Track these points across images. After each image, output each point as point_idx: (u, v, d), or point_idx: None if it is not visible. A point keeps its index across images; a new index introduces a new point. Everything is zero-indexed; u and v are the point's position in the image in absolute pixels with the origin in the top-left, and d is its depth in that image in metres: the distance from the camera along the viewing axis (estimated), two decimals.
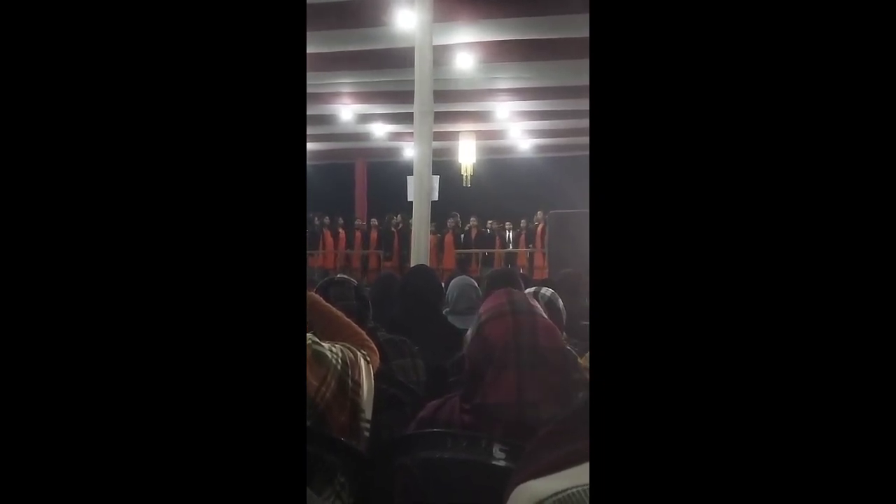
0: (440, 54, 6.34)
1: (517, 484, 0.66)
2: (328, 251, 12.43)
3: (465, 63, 7.18)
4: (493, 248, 11.82)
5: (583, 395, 0.71)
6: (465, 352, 1.15)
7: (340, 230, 12.70)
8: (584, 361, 1.55)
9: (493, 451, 1.04)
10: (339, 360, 1.28)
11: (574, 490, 0.61)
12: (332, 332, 1.43)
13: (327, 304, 1.52)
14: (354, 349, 1.37)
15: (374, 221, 12.67)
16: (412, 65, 5.32)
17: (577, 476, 0.62)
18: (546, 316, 1.16)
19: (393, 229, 12.08)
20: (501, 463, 1.03)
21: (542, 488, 0.63)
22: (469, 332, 1.16)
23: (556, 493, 0.62)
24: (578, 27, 5.83)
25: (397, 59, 6.62)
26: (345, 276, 2.01)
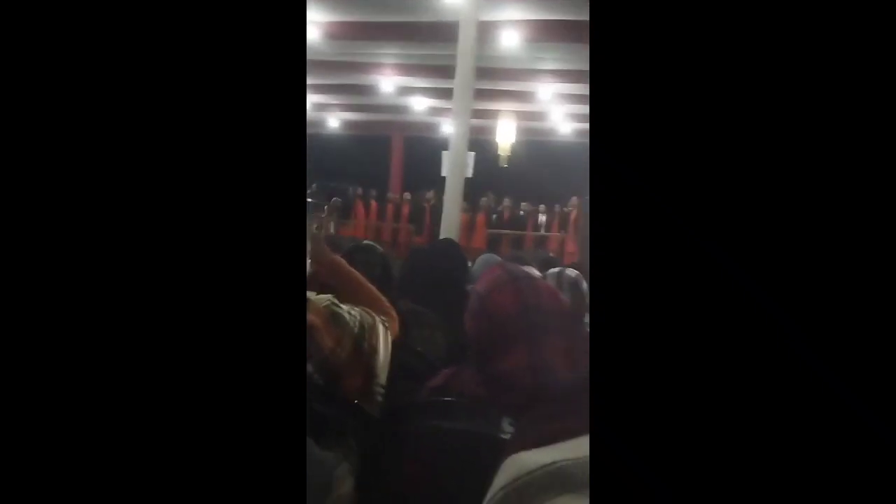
0: (485, 30, 6.25)
1: (510, 454, 0.65)
2: (359, 221, 12.52)
3: (509, 41, 7.08)
4: (525, 230, 11.76)
5: (583, 373, 0.70)
6: (469, 329, 1.14)
7: (373, 202, 12.77)
8: None
9: (502, 423, 1.04)
10: (357, 323, 1.29)
11: (563, 463, 0.61)
12: (353, 296, 1.44)
13: (350, 269, 1.53)
14: (374, 314, 1.37)
15: (407, 196, 12.71)
16: (456, 39, 5.27)
17: (568, 450, 0.62)
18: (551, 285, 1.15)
19: (424, 205, 12.10)
20: (508, 436, 1.02)
21: (532, 459, 0.63)
22: (470, 309, 1.15)
23: (544, 465, 0.61)
24: None
25: (441, 32, 6.56)
26: (371, 243, 2.02)
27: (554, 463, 0.61)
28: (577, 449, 0.62)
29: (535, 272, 1.17)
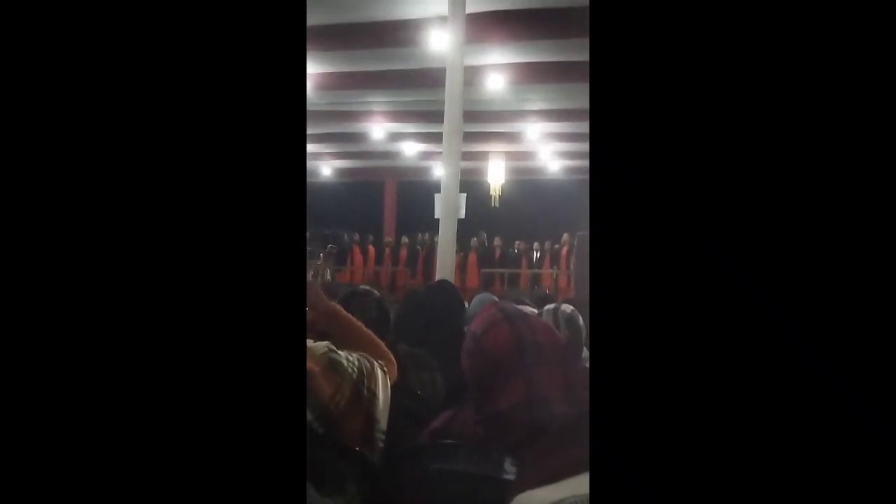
0: (471, 75, 6.39)
1: (516, 493, 0.65)
2: (356, 267, 12.52)
3: (496, 84, 7.23)
4: (518, 268, 11.77)
5: (582, 406, 0.70)
6: (466, 370, 1.15)
7: (370, 247, 12.80)
8: None
9: (505, 464, 1.03)
10: (356, 369, 1.29)
11: (572, 500, 0.61)
12: (350, 342, 1.44)
13: (347, 315, 1.53)
14: (372, 359, 1.37)
15: (405, 239, 12.75)
16: (443, 85, 5.38)
17: (575, 486, 0.61)
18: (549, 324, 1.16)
19: (418, 247, 12.13)
20: (511, 476, 1.02)
21: (538, 498, 0.62)
22: (466, 350, 1.16)
23: (553, 503, 0.61)
24: None
25: (429, 79, 6.70)
26: (368, 288, 2.02)
27: (561, 501, 0.61)
28: (582, 485, 0.62)
29: (530, 309, 1.18)
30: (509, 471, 1.02)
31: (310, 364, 1.20)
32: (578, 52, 6.46)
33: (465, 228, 8.29)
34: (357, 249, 12.72)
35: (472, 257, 11.75)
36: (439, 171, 8.29)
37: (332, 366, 1.25)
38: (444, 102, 5.35)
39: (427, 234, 11.90)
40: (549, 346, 1.10)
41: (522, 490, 0.65)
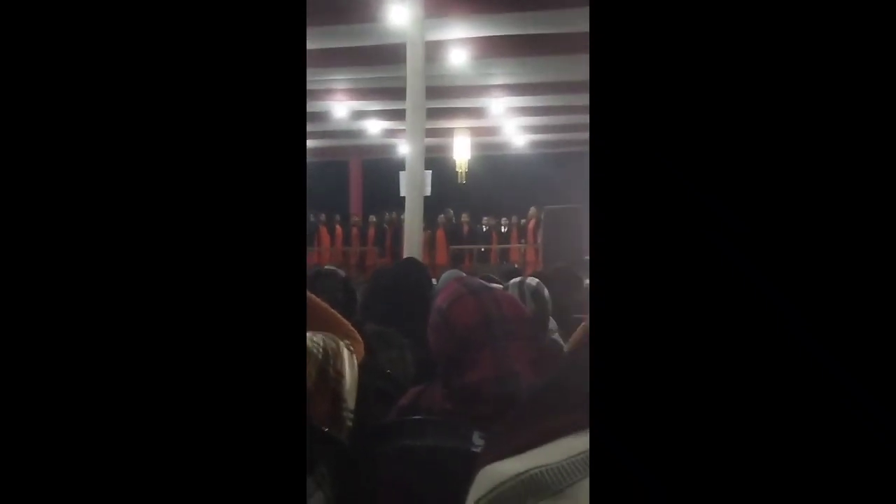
0: (433, 50, 6.33)
1: (482, 465, 0.65)
2: (324, 248, 12.44)
3: (458, 59, 7.18)
4: (487, 244, 11.83)
5: (550, 377, 0.71)
6: (433, 345, 1.15)
7: (337, 226, 12.71)
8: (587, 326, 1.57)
9: (473, 437, 1.04)
10: (321, 350, 1.28)
11: (536, 471, 0.61)
12: (315, 323, 1.42)
13: (310, 295, 1.52)
14: (337, 339, 1.36)
15: (373, 218, 12.69)
16: (404, 61, 5.32)
17: (540, 457, 0.61)
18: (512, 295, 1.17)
19: (385, 226, 12.09)
20: (479, 449, 1.02)
21: (504, 469, 0.62)
22: (432, 325, 1.16)
23: (518, 474, 0.61)
24: (572, 22, 5.83)
25: (390, 55, 6.62)
26: (332, 268, 2.01)
27: (527, 471, 0.61)
28: (548, 455, 0.62)
29: (495, 284, 1.19)
30: (478, 444, 1.03)
31: None
32: (540, 24, 6.45)
33: (433, 206, 8.29)
34: (324, 230, 12.63)
35: (441, 234, 11.77)
36: (404, 148, 8.28)
37: None
38: (405, 79, 5.30)
39: (394, 213, 11.86)
40: (515, 319, 1.11)
41: (487, 462, 0.65)
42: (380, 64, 7.31)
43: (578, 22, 5.67)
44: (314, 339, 1.28)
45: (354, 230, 12.62)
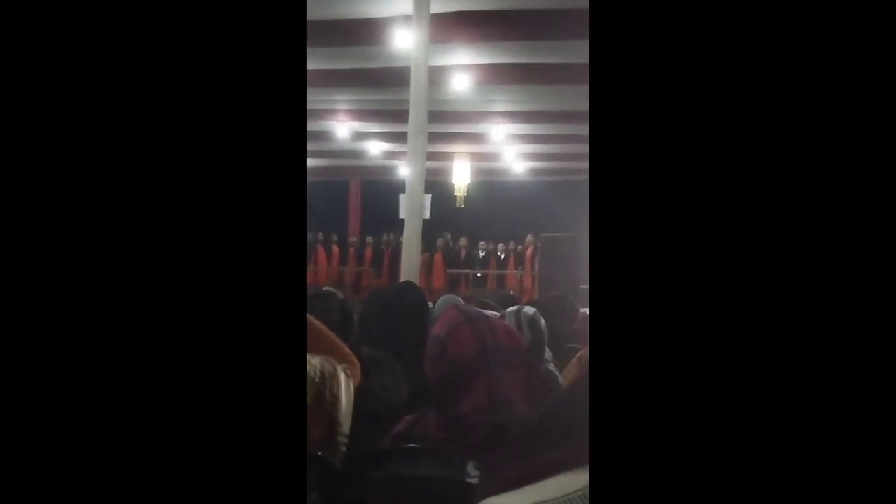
0: (436, 75, 6.39)
1: (480, 499, 0.65)
2: (321, 267, 12.41)
3: (461, 84, 7.24)
4: (484, 269, 11.82)
5: (549, 404, 0.71)
6: (429, 373, 1.15)
7: (334, 246, 12.70)
8: (584, 356, 1.56)
9: (467, 467, 1.03)
10: (318, 373, 1.27)
11: None
12: (312, 345, 1.42)
13: (310, 317, 1.52)
14: (334, 362, 1.36)
15: (370, 239, 12.68)
16: (408, 84, 5.37)
17: (538, 492, 0.61)
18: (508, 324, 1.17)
19: (384, 248, 12.09)
20: (475, 480, 1.02)
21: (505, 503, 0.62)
22: (429, 354, 1.16)
23: None
24: (575, 52, 5.90)
25: (394, 78, 6.67)
26: (330, 290, 2.01)
27: None
28: (546, 491, 0.61)
29: (491, 312, 1.19)
30: (472, 474, 1.03)
31: None
32: (544, 54, 6.52)
33: (430, 229, 8.29)
34: (321, 249, 12.62)
35: (439, 258, 11.76)
36: (404, 170, 8.31)
37: None
38: (408, 102, 5.33)
39: (392, 234, 11.86)
40: (512, 348, 1.11)
41: (485, 496, 0.64)
42: (383, 86, 7.37)
43: (579, 53, 5.74)
44: (312, 361, 1.28)
45: (351, 250, 12.61)
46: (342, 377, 1.34)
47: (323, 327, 1.50)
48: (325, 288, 2.00)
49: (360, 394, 1.44)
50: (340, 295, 2.00)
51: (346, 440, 1.30)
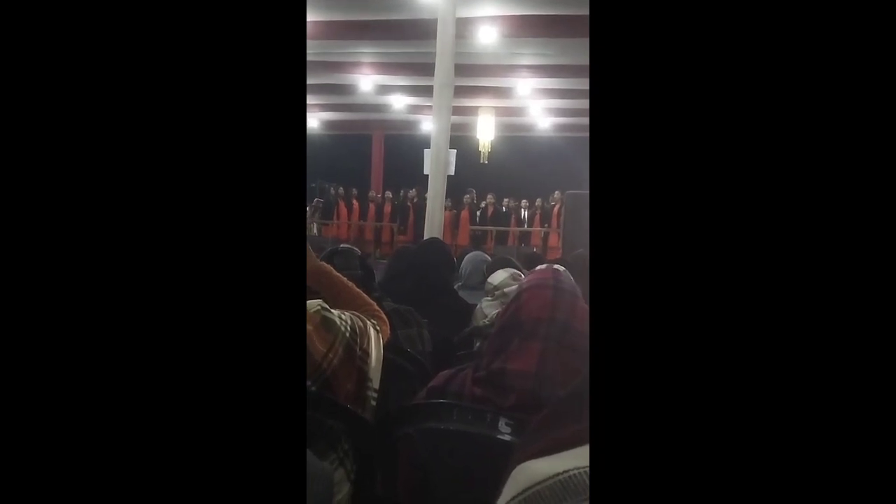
0: (463, 27, 6.24)
1: (518, 462, 0.65)
2: (342, 221, 12.47)
3: (487, 37, 7.08)
4: (509, 226, 11.77)
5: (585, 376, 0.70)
6: (499, 315, 1.16)
7: (354, 201, 12.72)
8: None
9: (499, 424, 1.04)
10: (348, 328, 1.28)
11: (575, 472, 0.60)
12: (342, 301, 1.43)
13: (338, 274, 1.52)
14: (364, 318, 1.36)
15: (389, 194, 12.66)
16: (434, 37, 5.26)
17: (579, 457, 0.61)
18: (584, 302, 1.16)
19: (408, 203, 12.07)
20: (507, 437, 1.02)
21: (542, 469, 0.62)
22: (510, 301, 1.16)
23: (556, 475, 0.61)
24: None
25: (419, 30, 6.54)
26: (349, 246, 2.01)
27: (565, 472, 0.61)
28: (586, 457, 0.61)
29: (580, 292, 1.18)
30: (504, 431, 1.03)
31: None
32: (573, 6, 6.33)
33: (454, 185, 8.25)
34: (342, 204, 12.65)
35: (464, 214, 11.73)
36: (428, 125, 8.21)
37: (326, 324, 1.24)
38: (434, 55, 5.24)
39: (414, 190, 11.82)
40: (580, 333, 1.10)
41: (523, 460, 0.64)
42: (409, 38, 7.23)
43: None
44: (342, 316, 1.29)
45: (372, 206, 12.62)
46: (372, 332, 1.34)
47: (351, 284, 1.50)
48: (343, 245, 2.00)
49: (387, 347, 1.45)
50: (358, 251, 2.00)
51: (375, 395, 1.32)
